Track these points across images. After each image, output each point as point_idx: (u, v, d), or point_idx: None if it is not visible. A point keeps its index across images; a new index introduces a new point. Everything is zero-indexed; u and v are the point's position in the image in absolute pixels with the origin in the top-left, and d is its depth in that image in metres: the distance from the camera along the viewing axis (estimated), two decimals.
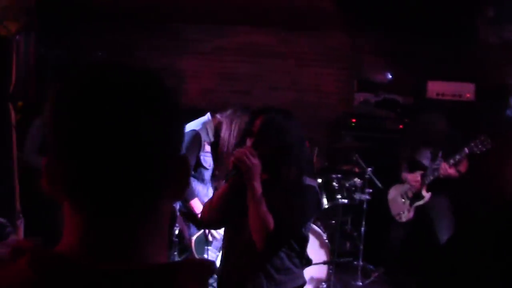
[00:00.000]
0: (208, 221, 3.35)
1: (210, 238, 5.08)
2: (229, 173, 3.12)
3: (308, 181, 3.23)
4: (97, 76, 1.02)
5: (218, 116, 5.23)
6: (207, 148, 5.13)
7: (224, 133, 5.11)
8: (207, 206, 3.31)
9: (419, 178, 6.40)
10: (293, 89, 8.98)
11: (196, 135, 5.11)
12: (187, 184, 1.11)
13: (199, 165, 5.17)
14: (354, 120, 7.97)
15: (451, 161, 6.05)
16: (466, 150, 5.92)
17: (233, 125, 5.10)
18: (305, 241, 3.33)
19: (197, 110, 8.59)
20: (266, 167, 3.10)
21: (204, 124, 5.16)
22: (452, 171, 6.06)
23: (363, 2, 7.68)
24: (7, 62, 4.31)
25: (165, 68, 8.82)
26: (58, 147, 1.00)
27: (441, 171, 6.10)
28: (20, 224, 4.62)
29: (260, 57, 8.99)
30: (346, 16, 8.21)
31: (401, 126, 7.80)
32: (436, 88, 7.71)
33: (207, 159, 5.13)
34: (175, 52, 8.96)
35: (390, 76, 8.62)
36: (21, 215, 4.63)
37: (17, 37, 4.98)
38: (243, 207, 3.09)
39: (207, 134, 5.15)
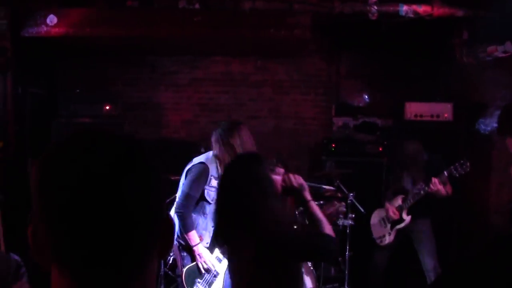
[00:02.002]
0: None
1: (202, 270, 5.06)
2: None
3: None
4: (81, 146, 1.05)
5: (214, 151, 5.20)
6: (213, 183, 5.12)
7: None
8: None
9: (397, 212, 6.42)
10: (272, 117, 9.02)
11: (205, 168, 5.10)
12: (172, 243, 1.14)
13: (202, 198, 5.15)
14: (334, 145, 7.98)
15: (441, 178, 6.07)
16: (446, 173, 5.96)
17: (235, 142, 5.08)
18: None
19: (177, 141, 8.68)
20: None
21: (213, 159, 5.15)
22: (441, 187, 6.04)
23: (337, 28, 7.76)
24: None
25: (143, 101, 8.85)
26: (46, 215, 1.01)
27: (432, 186, 6.06)
28: None
29: (237, 86, 9.03)
30: (321, 42, 8.30)
31: (380, 149, 7.83)
32: (414, 109, 7.77)
33: (211, 193, 5.10)
34: (152, 86, 8.98)
35: (368, 99, 8.68)
36: None
37: None
38: None
39: (216, 169, 5.13)
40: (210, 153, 5.22)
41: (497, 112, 3.07)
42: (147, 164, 1.08)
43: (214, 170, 5.11)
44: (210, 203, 5.10)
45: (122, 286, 1.03)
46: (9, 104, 7.18)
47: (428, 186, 6.05)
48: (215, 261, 5.08)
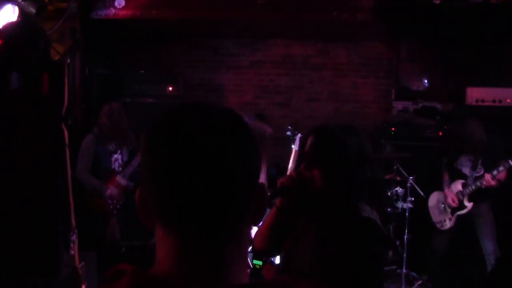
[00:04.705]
0: (260, 249, 3.11)
1: None
2: (272, 197, 2.84)
3: (367, 211, 2.75)
4: (186, 116, 1.15)
5: None
6: None
7: None
8: (258, 233, 3.05)
9: (456, 199, 6.42)
10: (331, 100, 9.07)
11: None
12: (265, 210, 1.24)
13: None
14: (393, 129, 7.99)
15: (495, 172, 6.06)
16: (511, 162, 5.93)
17: None
18: None
19: None
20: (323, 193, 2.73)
21: None
22: (494, 182, 6.08)
23: (399, 11, 7.74)
24: (60, 85, 4.48)
25: (205, 83, 8.99)
26: (155, 179, 1.12)
27: (484, 183, 6.11)
28: (76, 239, 4.78)
29: (297, 69, 9.11)
30: (383, 26, 8.28)
31: (440, 134, 7.79)
32: (475, 94, 7.67)
33: None
34: (214, 67, 9.13)
35: (427, 83, 8.65)
36: (76, 230, 4.79)
37: (68, 60, 5.17)
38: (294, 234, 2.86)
39: None
40: None
41: None
42: (246, 134, 1.17)
43: None
44: None
45: (221, 244, 1.14)
46: (77, 84, 7.40)
47: (490, 177, 6.06)
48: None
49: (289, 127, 5.96)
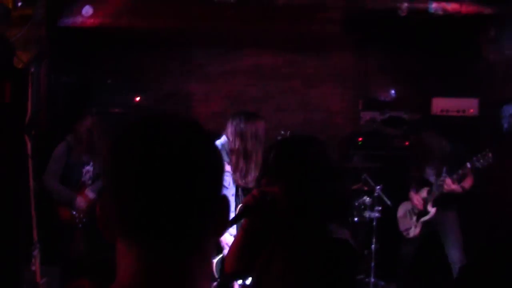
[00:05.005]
0: (232, 272, 2.87)
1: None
2: (237, 218, 2.66)
3: (339, 232, 2.62)
4: (151, 129, 1.15)
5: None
6: (227, 168, 5.17)
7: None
8: (228, 256, 2.84)
9: (421, 200, 6.48)
10: (300, 110, 9.08)
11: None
12: (228, 222, 1.23)
13: None
14: (361, 139, 8.05)
15: (455, 176, 6.12)
16: (468, 165, 5.99)
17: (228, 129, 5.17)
18: None
19: None
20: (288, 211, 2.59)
21: (223, 145, 5.20)
22: (455, 186, 6.12)
23: (367, 23, 7.82)
24: (24, 94, 4.44)
25: (174, 92, 8.95)
26: (118, 191, 1.11)
27: (445, 187, 6.16)
28: (37, 254, 4.70)
29: (267, 79, 9.10)
30: (351, 37, 8.34)
31: (407, 143, 7.88)
32: (440, 104, 7.81)
33: (226, 179, 5.16)
34: (183, 77, 9.08)
35: (394, 94, 8.72)
36: (38, 245, 4.71)
37: (32, 69, 5.11)
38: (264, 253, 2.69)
39: (227, 154, 5.18)
40: (219, 141, 5.25)
41: None
42: (209, 146, 1.18)
43: (225, 155, 5.15)
44: (227, 188, 5.16)
45: (185, 255, 1.12)
46: (42, 93, 7.31)
47: (450, 181, 6.12)
48: None
49: (282, 133, 5.95)
